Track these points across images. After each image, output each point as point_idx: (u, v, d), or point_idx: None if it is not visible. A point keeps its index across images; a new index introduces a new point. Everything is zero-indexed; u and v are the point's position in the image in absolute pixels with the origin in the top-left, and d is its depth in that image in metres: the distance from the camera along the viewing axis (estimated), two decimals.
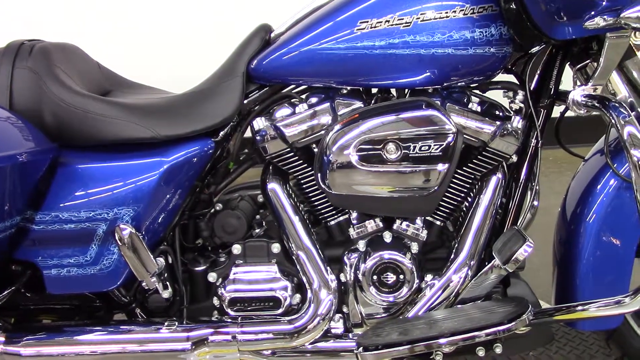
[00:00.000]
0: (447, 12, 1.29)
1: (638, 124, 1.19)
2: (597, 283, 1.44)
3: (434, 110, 1.30)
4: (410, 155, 1.30)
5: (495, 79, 1.44)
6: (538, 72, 1.45)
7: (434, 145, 1.29)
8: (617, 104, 1.23)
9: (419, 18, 1.30)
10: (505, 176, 1.43)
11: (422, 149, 1.30)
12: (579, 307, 1.37)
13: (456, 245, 1.40)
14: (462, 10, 1.30)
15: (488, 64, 1.35)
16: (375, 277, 1.38)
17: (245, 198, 1.55)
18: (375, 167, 1.31)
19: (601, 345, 1.76)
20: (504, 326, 1.30)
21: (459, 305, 1.39)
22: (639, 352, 1.57)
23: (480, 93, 1.46)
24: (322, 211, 1.45)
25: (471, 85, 1.45)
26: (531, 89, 1.43)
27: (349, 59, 1.33)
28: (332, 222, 1.46)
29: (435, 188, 1.32)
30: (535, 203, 1.47)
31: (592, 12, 1.23)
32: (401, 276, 1.38)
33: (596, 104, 1.26)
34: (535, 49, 1.40)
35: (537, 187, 1.43)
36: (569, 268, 1.45)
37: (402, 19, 1.30)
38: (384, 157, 1.30)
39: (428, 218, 1.44)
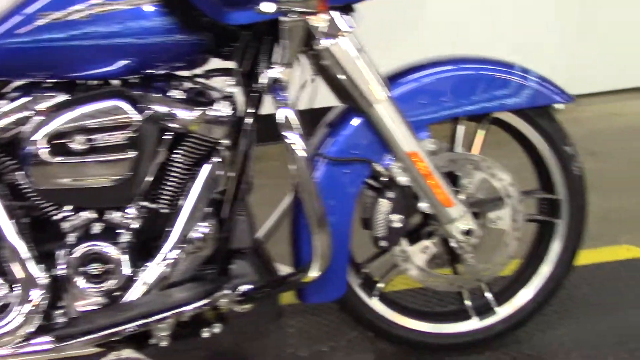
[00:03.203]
0: (122, 3, 1.31)
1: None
2: None
3: (119, 100, 1.32)
4: (98, 145, 1.32)
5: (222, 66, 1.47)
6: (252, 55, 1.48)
7: (121, 134, 1.32)
8: (280, 86, 1.26)
9: (95, 9, 1.31)
10: (225, 161, 1.46)
11: (109, 138, 1.32)
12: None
13: (169, 231, 1.43)
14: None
15: (180, 52, 1.38)
16: (83, 269, 1.40)
17: None
18: (68, 159, 1.32)
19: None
20: (189, 306, 1.35)
21: (172, 289, 1.43)
22: (370, 321, 1.64)
23: (203, 80, 1.49)
24: (40, 206, 1.45)
25: (196, 73, 1.48)
26: (245, 73, 1.46)
27: (38, 52, 1.33)
28: (53, 217, 1.46)
29: (129, 176, 1.34)
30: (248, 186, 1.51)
31: None
32: (110, 266, 1.40)
33: (264, 86, 1.29)
34: (245, 33, 1.43)
35: (250, 172, 1.47)
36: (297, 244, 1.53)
37: (80, 11, 1.31)
38: (75, 148, 1.31)
39: (146, 205, 1.46)
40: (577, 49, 3.66)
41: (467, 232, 1.52)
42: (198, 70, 1.50)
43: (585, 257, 2.09)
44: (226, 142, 1.45)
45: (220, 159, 1.45)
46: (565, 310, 1.85)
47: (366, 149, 1.50)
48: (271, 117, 1.33)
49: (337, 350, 1.77)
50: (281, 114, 1.24)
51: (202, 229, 1.43)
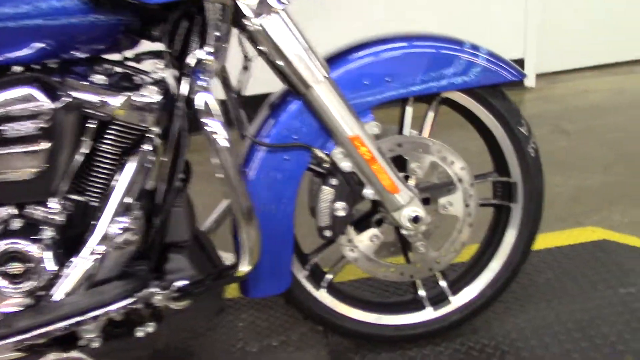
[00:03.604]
0: None
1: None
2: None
3: (31, 87, 1.22)
4: (9, 136, 1.22)
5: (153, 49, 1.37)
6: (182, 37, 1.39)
7: (32, 124, 1.22)
8: (202, 69, 1.17)
9: None
10: (157, 150, 1.37)
11: (20, 128, 1.22)
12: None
13: (95, 225, 1.34)
14: None
15: (99, 33, 1.27)
16: (3, 268, 1.31)
17: None
18: None
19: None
20: (116, 305, 1.27)
21: (99, 287, 1.34)
22: (318, 315, 1.56)
23: (133, 64, 1.38)
24: None
25: (127, 57, 1.38)
26: (176, 55, 1.37)
27: None
28: None
29: (45, 168, 1.25)
30: (183, 175, 1.42)
31: None
32: (29, 264, 1.31)
33: (186, 71, 1.20)
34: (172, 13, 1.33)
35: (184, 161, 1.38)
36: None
37: None
38: None
39: (73, 198, 1.37)
40: (550, 25, 3.59)
41: (415, 220, 1.44)
42: (129, 54, 1.41)
43: (550, 240, 2.03)
44: (156, 129, 1.36)
45: (151, 148, 1.36)
46: (526, 297, 1.78)
47: (306, 134, 1.41)
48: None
49: (288, 345, 1.70)
50: (200, 99, 1.14)
51: (131, 222, 1.34)
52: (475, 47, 1.47)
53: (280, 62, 1.33)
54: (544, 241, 2.04)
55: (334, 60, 1.43)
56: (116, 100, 1.30)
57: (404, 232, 1.49)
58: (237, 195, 1.25)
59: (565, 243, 2.02)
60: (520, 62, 3.52)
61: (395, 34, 1.48)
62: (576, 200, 2.36)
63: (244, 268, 1.31)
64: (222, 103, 1.38)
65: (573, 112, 3.20)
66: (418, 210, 1.45)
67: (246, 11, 1.29)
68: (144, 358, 1.69)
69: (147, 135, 1.35)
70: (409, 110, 1.52)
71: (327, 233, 1.46)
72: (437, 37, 1.47)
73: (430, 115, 1.53)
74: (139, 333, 1.40)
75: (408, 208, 1.44)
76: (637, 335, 1.59)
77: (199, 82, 1.15)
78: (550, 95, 3.43)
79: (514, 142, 1.54)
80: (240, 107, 1.54)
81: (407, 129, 1.52)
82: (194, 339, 1.75)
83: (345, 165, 1.42)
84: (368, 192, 1.44)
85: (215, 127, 1.18)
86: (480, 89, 1.50)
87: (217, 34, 1.26)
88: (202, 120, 1.14)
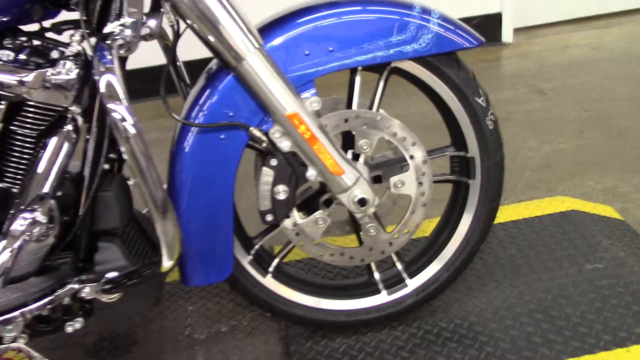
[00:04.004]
0: None
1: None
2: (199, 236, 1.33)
3: None
4: None
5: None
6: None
7: None
8: (107, 46, 1.04)
9: None
10: (78, 130, 1.24)
11: None
12: None
13: (13, 214, 1.23)
14: None
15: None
16: None
17: None
18: None
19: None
20: (36, 304, 1.17)
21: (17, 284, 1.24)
22: (265, 301, 1.47)
23: (50, 37, 1.25)
24: None
25: (45, 27, 1.25)
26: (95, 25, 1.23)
27: None
28: None
29: None
30: (114, 155, 1.30)
31: None
32: None
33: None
34: None
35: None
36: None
37: None
38: None
39: None
40: None
41: (362, 202, 1.34)
42: (47, 24, 1.27)
43: (518, 211, 1.94)
44: (76, 109, 1.23)
45: (71, 128, 1.23)
46: (489, 275, 1.70)
47: (242, 110, 1.29)
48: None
49: (239, 331, 1.61)
50: (103, 81, 1.01)
51: (44, 212, 1.22)
52: (426, 11, 1.34)
53: (206, 34, 1.20)
54: (512, 212, 1.95)
55: (269, 28, 1.30)
56: (24, 78, 1.17)
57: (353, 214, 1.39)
58: (148, 187, 1.13)
59: (533, 214, 1.92)
60: (498, 17, 3.37)
61: None
62: (549, 165, 2.25)
63: (167, 264, 1.20)
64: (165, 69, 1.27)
65: (550, 69, 3.07)
66: (365, 192, 1.34)
67: None
68: (89, 346, 1.62)
69: (67, 114, 1.23)
70: (358, 80, 1.40)
71: (269, 217, 1.36)
72: (385, 1, 1.34)
73: (381, 86, 1.41)
74: (69, 328, 1.30)
75: (354, 190, 1.33)
76: (601, 315, 1.51)
77: (102, 62, 1.01)
78: (528, 52, 3.29)
79: (471, 114, 1.42)
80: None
81: (355, 102, 1.40)
82: (140, 325, 1.66)
83: (285, 144, 1.30)
84: (311, 173, 1.33)
85: (121, 112, 1.04)
86: (433, 57, 1.37)
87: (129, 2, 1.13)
88: (106, 105, 1.01)
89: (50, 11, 1.26)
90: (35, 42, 1.23)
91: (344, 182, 1.32)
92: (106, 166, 1.36)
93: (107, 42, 1.06)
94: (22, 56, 1.19)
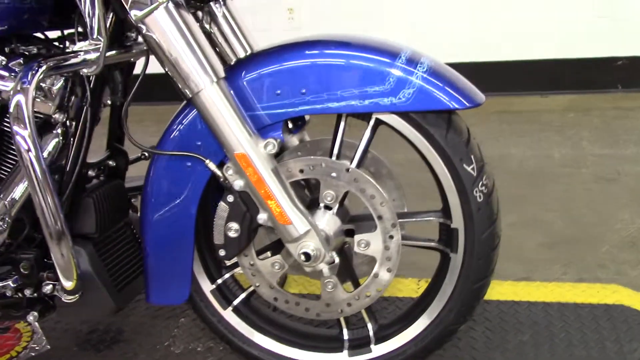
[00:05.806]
0: None
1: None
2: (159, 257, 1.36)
3: None
4: None
5: None
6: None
7: None
8: (34, 67, 1.07)
9: None
10: (63, 135, 1.31)
11: None
12: None
13: None
14: None
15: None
16: None
17: None
18: None
19: None
20: None
21: None
22: (219, 330, 1.46)
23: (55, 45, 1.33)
24: None
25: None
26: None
27: None
28: None
29: None
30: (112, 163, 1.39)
31: None
32: None
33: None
34: None
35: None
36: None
37: None
38: None
39: None
40: None
41: (307, 256, 1.25)
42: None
43: (556, 292, 1.72)
44: (59, 116, 1.30)
45: (59, 132, 1.30)
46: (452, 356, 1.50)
47: (207, 142, 1.27)
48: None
49: (211, 353, 1.60)
50: (14, 101, 1.04)
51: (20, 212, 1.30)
52: (413, 62, 1.21)
53: (163, 62, 1.19)
54: (550, 292, 1.72)
55: (250, 61, 1.26)
56: (5, 85, 1.25)
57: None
58: (44, 213, 1.14)
59: (572, 300, 1.67)
60: None
61: (320, 37, 1.27)
62: (633, 244, 1.95)
63: (66, 284, 1.21)
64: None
65: None
66: (313, 247, 1.25)
67: (125, 1, 1.16)
68: (81, 333, 1.70)
69: (51, 122, 1.30)
70: (342, 127, 1.31)
71: (221, 252, 1.32)
72: (369, 46, 1.23)
73: (366, 136, 1.30)
74: (30, 317, 1.37)
75: (303, 242, 1.25)
76: None
77: (22, 80, 1.05)
78: None
79: (457, 181, 1.26)
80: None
81: (336, 148, 1.31)
82: (133, 326, 1.71)
83: (237, 183, 1.25)
84: (261, 216, 1.27)
85: (23, 136, 1.06)
86: (417, 114, 1.23)
87: (89, 23, 1.15)
88: (13, 127, 1.04)
89: (54, 22, 1.33)
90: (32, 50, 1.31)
91: (293, 232, 1.25)
92: (91, 172, 1.42)
93: (37, 62, 1.09)
94: (14, 63, 1.27)
